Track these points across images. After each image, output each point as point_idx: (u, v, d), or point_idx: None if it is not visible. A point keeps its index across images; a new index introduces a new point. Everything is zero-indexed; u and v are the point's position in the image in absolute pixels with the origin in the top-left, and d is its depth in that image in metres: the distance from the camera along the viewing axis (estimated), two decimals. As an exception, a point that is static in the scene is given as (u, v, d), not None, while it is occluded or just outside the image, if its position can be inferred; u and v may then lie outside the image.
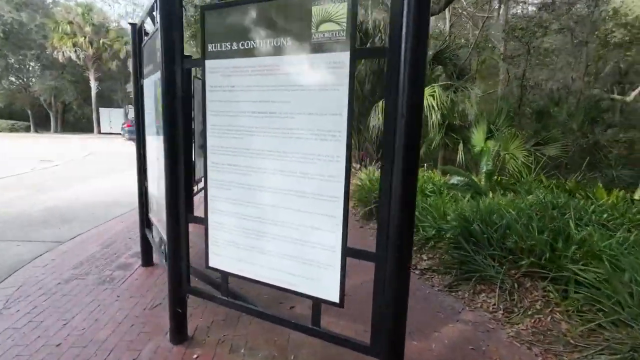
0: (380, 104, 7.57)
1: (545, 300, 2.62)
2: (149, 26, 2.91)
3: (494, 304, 2.69)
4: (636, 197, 4.05)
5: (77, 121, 33.73)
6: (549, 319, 2.45)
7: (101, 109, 31.23)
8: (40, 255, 3.66)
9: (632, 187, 5.15)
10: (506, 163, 6.23)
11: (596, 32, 10.97)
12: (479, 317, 2.60)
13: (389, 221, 1.52)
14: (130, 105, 32.52)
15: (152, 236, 3.07)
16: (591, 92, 11.07)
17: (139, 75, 3.09)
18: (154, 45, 2.41)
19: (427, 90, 7.17)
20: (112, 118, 32.73)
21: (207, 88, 1.92)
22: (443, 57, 8.00)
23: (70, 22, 25.84)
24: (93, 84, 28.35)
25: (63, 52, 25.68)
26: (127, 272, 3.28)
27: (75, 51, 25.91)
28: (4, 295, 2.83)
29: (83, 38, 25.96)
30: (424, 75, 1.42)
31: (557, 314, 2.46)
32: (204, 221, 2.07)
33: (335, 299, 1.71)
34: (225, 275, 2.06)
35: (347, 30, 1.51)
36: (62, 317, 2.52)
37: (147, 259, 3.42)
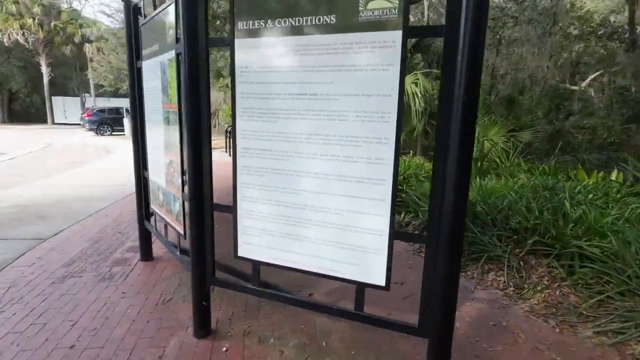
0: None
1: (550, 276, 2.76)
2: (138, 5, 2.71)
3: (504, 282, 2.81)
4: (613, 178, 4.35)
5: (25, 111, 31.06)
6: (557, 293, 2.60)
7: (54, 98, 29.06)
8: (23, 253, 3.38)
9: (599, 169, 5.51)
10: (486, 149, 6.48)
11: (559, 24, 11.56)
12: (491, 295, 2.70)
13: (441, 205, 1.52)
14: (87, 94, 30.54)
15: (156, 228, 2.91)
16: (551, 82, 11.75)
17: (135, 58, 2.88)
18: (164, 23, 2.24)
19: (410, 78, 7.27)
20: (67, 107, 30.59)
21: (237, 69, 1.82)
22: (423, 44, 8.12)
23: (15, 2, 23.60)
24: (45, 70, 26.21)
25: (9, 35, 23.46)
26: (127, 268, 3.10)
27: (23, 34, 23.74)
28: (-7, 298, 2.59)
29: (32, 20, 23.83)
30: (482, 55, 1.42)
31: (565, 288, 2.61)
32: (231, 210, 1.98)
33: (381, 282, 1.71)
34: (256, 264, 1.99)
35: (399, 8, 1.47)
36: (67, 318, 2.35)
37: (146, 253, 3.24)
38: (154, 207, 2.90)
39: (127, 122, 18.63)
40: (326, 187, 1.74)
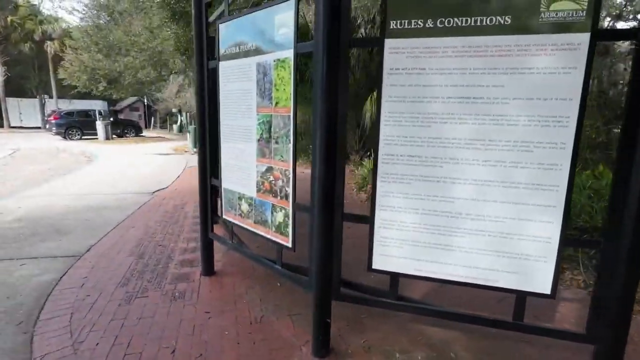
0: (374, 95, 7.57)
1: (626, 272, 2.85)
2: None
3: (583, 280, 2.87)
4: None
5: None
6: None
7: (9, 99, 26.88)
8: (65, 273, 3.04)
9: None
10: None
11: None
12: (578, 294, 2.75)
13: (624, 206, 1.50)
14: (47, 95, 28.49)
15: (232, 240, 2.71)
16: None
17: (207, 57, 2.67)
18: (271, 21, 2.08)
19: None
20: (23, 109, 28.44)
21: (385, 71, 1.71)
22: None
23: (-36, -5, 21.60)
24: (-1, 70, 24.18)
25: (-42, 31, 21.42)
26: (193, 284, 2.87)
27: (-25, 30, 21.78)
28: (61, 326, 2.29)
29: (-16, 15, 21.90)
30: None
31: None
32: (365, 220, 1.87)
33: (546, 290, 1.67)
34: (395, 276, 1.89)
35: (587, 10, 1.44)
36: (161, 345, 2.12)
37: (209, 267, 3.02)
38: (230, 218, 2.69)
39: (100, 126, 17.56)
40: (485, 194, 1.68)
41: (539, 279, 1.67)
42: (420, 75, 1.68)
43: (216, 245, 3.03)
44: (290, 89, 2.01)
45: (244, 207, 2.53)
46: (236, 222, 2.64)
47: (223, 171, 2.69)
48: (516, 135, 1.59)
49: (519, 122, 1.58)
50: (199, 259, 3.33)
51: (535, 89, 1.54)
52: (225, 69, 2.52)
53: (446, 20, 1.60)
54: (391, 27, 1.68)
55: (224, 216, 2.76)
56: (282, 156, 2.15)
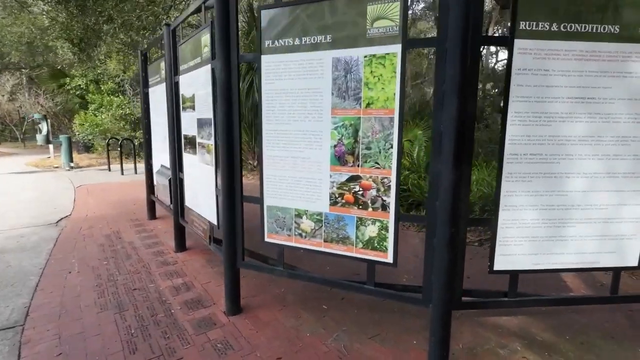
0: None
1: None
2: None
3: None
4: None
5: None
6: None
7: None
8: (19, 355, 2.06)
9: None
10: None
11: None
12: None
13: (690, 187, 1.87)
14: None
15: (283, 266, 2.29)
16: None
17: (238, 51, 2.18)
18: (362, 14, 1.84)
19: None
20: None
21: (514, 71, 1.71)
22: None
23: None
24: None
25: None
26: (228, 328, 2.31)
27: None
28: None
29: None
30: None
31: None
32: (487, 222, 1.84)
33: (635, 263, 1.94)
34: (515, 274, 1.91)
35: (673, 25, 1.73)
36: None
37: (236, 305, 2.49)
38: (279, 240, 2.26)
39: None
40: (593, 185, 1.85)
41: (630, 254, 1.93)
42: (544, 76, 1.74)
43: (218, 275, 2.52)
44: (396, 87, 1.82)
45: (306, 225, 2.18)
46: (291, 244, 2.24)
47: (266, 186, 2.25)
48: (619, 131, 1.81)
49: (621, 119, 1.80)
50: (204, 297, 2.73)
51: (634, 90, 1.78)
52: (270, 64, 2.12)
53: (569, 25, 1.70)
54: (520, 27, 1.69)
55: (267, 239, 2.32)
56: (376, 162, 1.93)
